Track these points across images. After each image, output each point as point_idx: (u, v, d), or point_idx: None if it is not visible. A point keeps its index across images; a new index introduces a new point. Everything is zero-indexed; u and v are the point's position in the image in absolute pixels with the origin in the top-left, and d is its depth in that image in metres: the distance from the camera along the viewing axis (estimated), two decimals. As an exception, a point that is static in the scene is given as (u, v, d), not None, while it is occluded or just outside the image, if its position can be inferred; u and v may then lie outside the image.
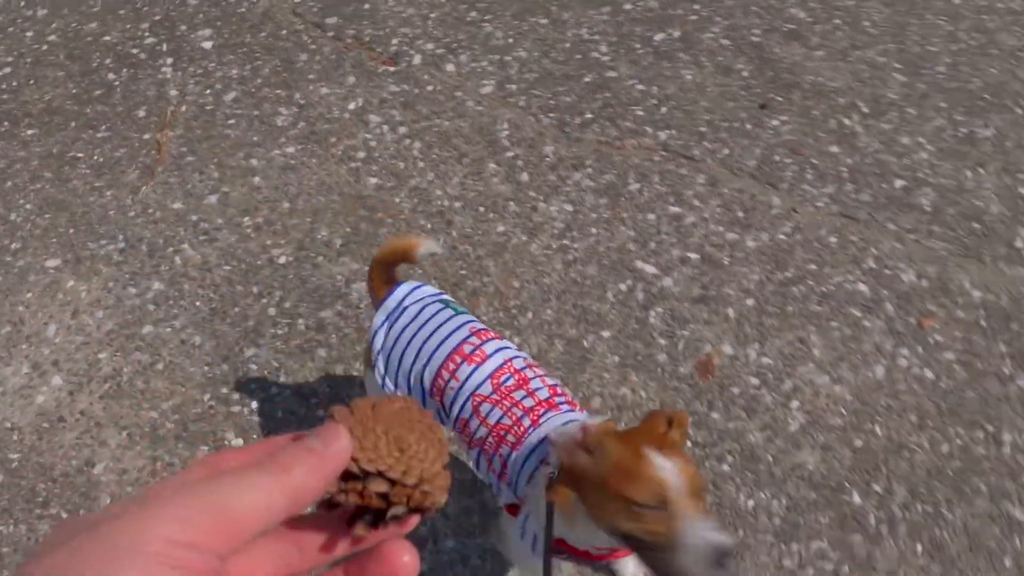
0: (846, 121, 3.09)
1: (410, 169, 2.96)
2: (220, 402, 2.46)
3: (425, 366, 1.88)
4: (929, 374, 2.56)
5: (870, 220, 2.85)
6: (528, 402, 1.78)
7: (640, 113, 3.11)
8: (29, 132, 3.12)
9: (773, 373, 2.55)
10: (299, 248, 2.77)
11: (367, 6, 3.47)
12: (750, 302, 2.69)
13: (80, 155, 3.02)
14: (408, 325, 1.93)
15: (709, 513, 1.44)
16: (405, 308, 1.95)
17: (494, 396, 1.79)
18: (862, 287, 2.72)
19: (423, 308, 1.94)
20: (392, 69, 3.23)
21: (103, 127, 3.08)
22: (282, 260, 2.74)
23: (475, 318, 1.96)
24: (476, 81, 3.20)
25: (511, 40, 3.34)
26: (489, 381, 1.80)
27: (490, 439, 1.78)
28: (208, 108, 3.10)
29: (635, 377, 2.54)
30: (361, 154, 2.99)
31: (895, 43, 3.29)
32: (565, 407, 1.78)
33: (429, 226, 2.82)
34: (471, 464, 1.91)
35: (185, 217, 2.85)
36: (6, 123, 3.19)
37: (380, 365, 1.95)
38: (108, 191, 2.91)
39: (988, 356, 2.59)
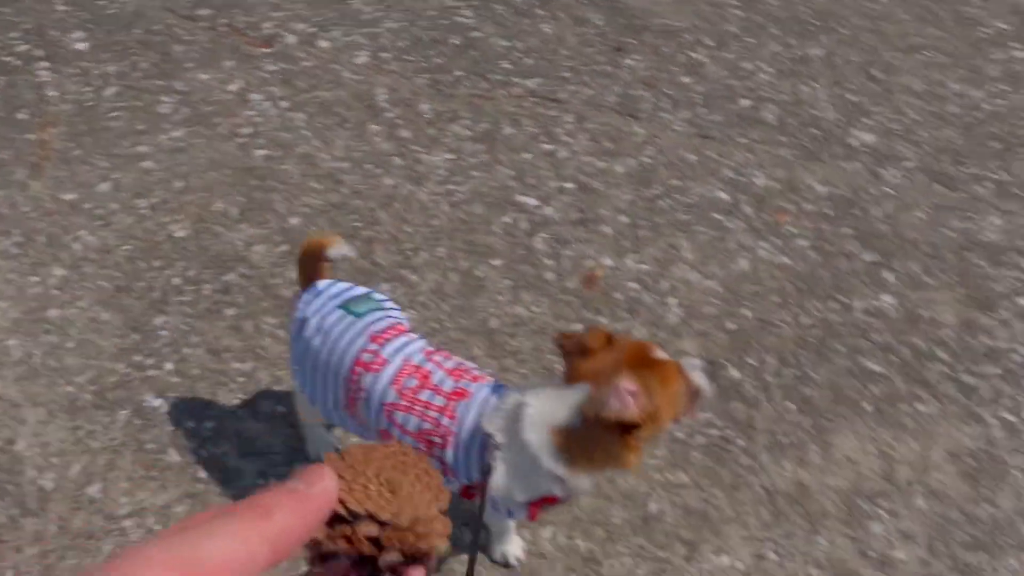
0: (693, 55, 3.38)
1: (296, 139, 3.10)
2: (135, 368, 2.55)
3: (336, 385, 1.90)
4: (787, 260, 2.84)
5: (723, 137, 3.13)
6: (438, 400, 1.81)
7: (507, 66, 3.33)
8: (-89, 145, 3.14)
9: (650, 277, 2.79)
10: (197, 221, 2.88)
11: (236, -3, 3.61)
12: (624, 219, 2.93)
13: (-35, 159, 3.07)
14: (314, 336, 1.92)
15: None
16: (306, 320, 1.94)
17: (402, 403, 1.81)
18: (721, 194, 3.00)
19: (324, 318, 1.93)
20: (268, 51, 3.37)
21: (-15, 134, 3.14)
22: (181, 234, 2.85)
23: (383, 307, 1.97)
24: (350, 53, 3.37)
25: (380, 13, 3.52)
26: (392, 387, 1.82)
27: (419, 445, 1.80)
28: (89, 104, 3.18)
29: (527, 296, 2.74)
30: (247, 130, 3.12)
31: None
32: (472, 387, 1.81)
33: (320, 187, 2.97)
34: None
35: (79, 206, 2.93)
36: None
37: (298, 379, 1.99)
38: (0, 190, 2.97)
39: (835, 239, 2.89)
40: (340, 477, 0.51)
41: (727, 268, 2.81)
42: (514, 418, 1.71)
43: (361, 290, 2.01)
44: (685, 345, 2.63)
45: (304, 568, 0.53)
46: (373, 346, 1.85)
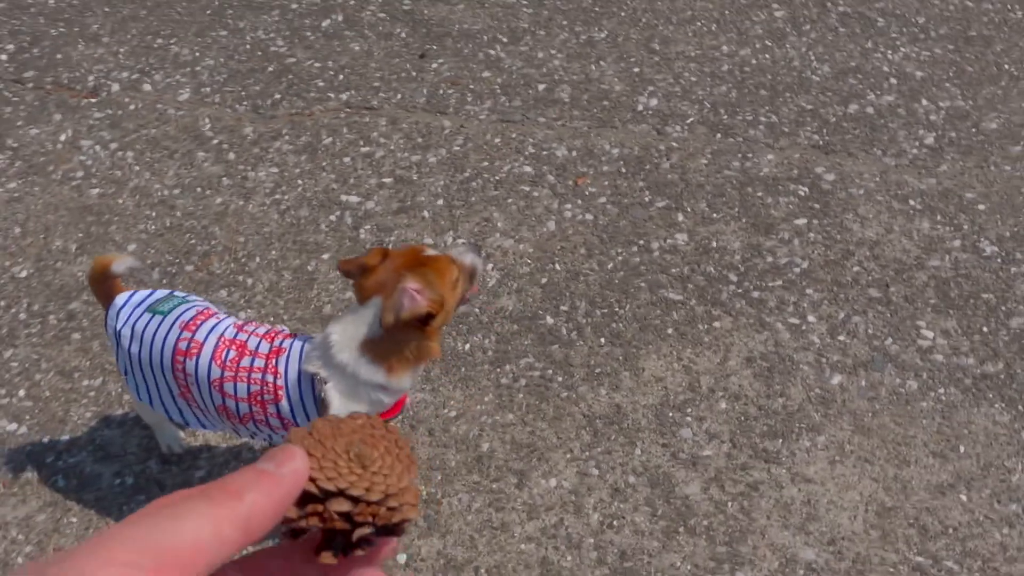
0: (491, 52, 3.65)
1: (127, 174, 3.24)
2: (-13, 403, 2.64)
3: (163, 374, 1.98)
4: (590, 216, 3.10)
5: (524, 119, 3.40)
6: (259, 363, 1.91)
7: (321, 84, 3.55)
8: None
9: (468, 249, 3.02)
10: (37, 260, 2.99)
11: (59, 56, 3.74)
12: (440, 202, 3.15)
13: None
14: (131, 345, 1.99)
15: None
16: (119, 331, 2.01)
17: (228, 375, 1.90)
18: (527, 168, 3.25)
19: (133, 326, 2.00)
20: (94, 100, 3.51)
21: None
22: (23, 274, 2.96)
23: (188, 300, 2.05)
24: (173, 93, 3.53)
25: (198, 54, 3.70)
26: (215, 364, 1.91)
27: (254, 408, 1.92)
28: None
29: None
30: (80, 173, 3.25)
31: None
32: (286, 343, 1.95)
33: (153, 214, 3.12)
34: (253, 440, 2.07)
35: (-80, 266, 3.01)
36: None
37: (132, 389, 2.07)
38: None
39: (631, 192, 3.16)
40: (310, 455, 0.50)
41: (536, 231, 3.05)
42: (326, 350, 1.86)
43: (162, 293, 2.10)
44: (503, 303, 2.85)
45: (272, 544, 0.52)
46: (186, 334, 1.95)
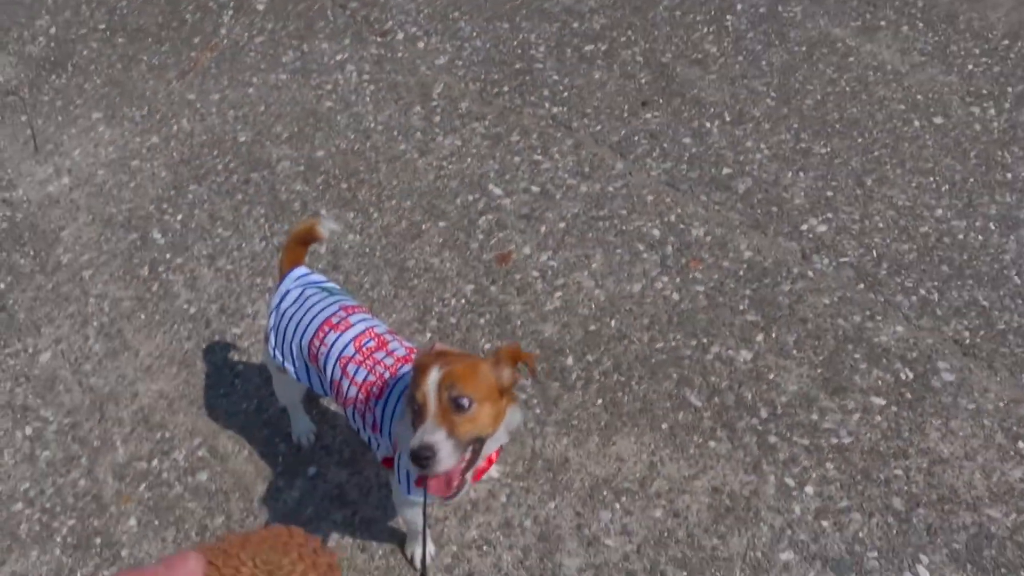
0: (707, 124, 3.68)
1: (356, 101, 3.83)
2: None
3: (302, 337, 2.11)
4: (676, 296, 3.05)
5: (688, 191, 3.40)
6: (388, 360, 1.98)
7: (546, 93, 3.84)
8: (119, 40, 4.32)
9: (552, 272, 3.14)
10: (256, 132, 3.68)
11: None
12: (562, 225, 3.31)
13: (144, 57, 4.17)
14: (290, 306, 2.17)
15: (454, 434, 1.66)
16: (288, 291, 2.19)
17: (358, 357, 1.99)
18: (655, 231, 3.27)
19: (303, 291, 2.18)
20: (379, 40, 4.16)
21: (167, 44, 4.23)
22: (242, 138, 3.67)
23: (352, 300, 2.19)
24: (434, 56, 4.06)
25: (474, 34, 4.17)
26: (352, 344, 2.01)
27: (360, 395, 1.98)
28: (241, 44, 4.17)
29: (447, 253, 3.21)
30: (328, 86, 3.90)
31: (780, 78, 3.86)
32: None
33: (352, 136, 3.67)
34: (352, 424, 2.13)
35: (194, 104, 3.87)
36: (110, 34, 4.40)
37: (272, 339, 2.20)
38: (151, 81, 4.00)
39: (732, 295, 3.05)
40: (211, 563, 0.48)
41: (620, 286, 3.08)
42: None
43: (337, 286, 2.28)
44: (545, 328, 2.95)
45: None
46: (342, 313, 2.10)
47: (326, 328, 2.07)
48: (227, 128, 3.72)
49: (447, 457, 1.64)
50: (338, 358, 2.03)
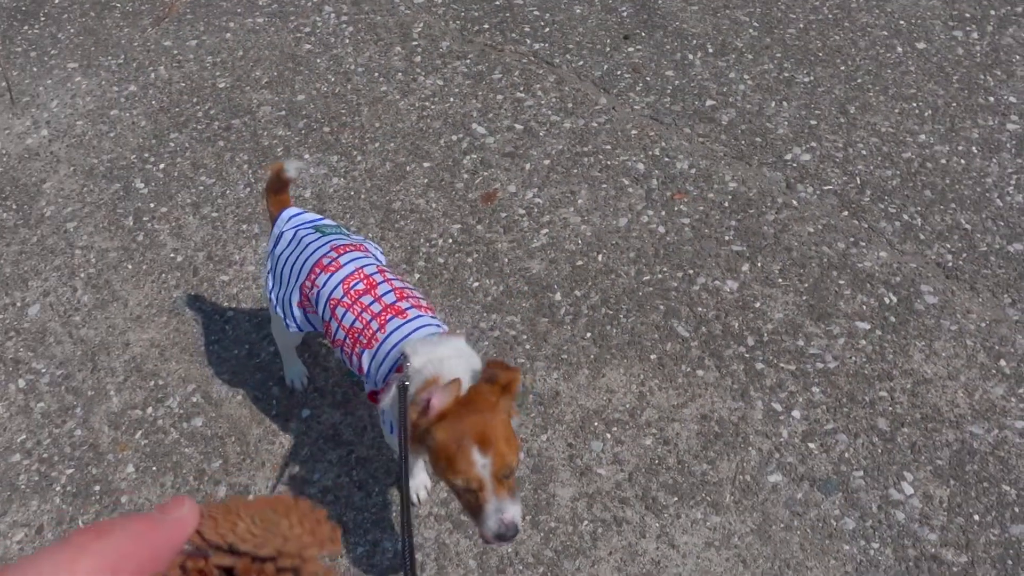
0: (690, 56, 3.63)
1: (336, 43, 3.76)
2: None
3: (296, 280, 2.12)
4: (662, 229, 3.05)
5: (672, 124, 3.37)
6: (376, 307, 1.97)
7: (527, 29, 3.78)
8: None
9: (538, 209, 3.13)
10: (236, 79, 3.62)
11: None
12: (547, 162, 3.28)
13: (117, 4, 4.07)
14: (284, 249, 2.18)
15: (510, 494, 1.70)
16: (282, 234, 2.20)
17: (346, 300, 1.99)
18: (640, 166, 3.25)
19: (296, 233, 2.18)
20: (356, -21, 4.08)
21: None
22: (221, 84, 3.61)
23: (346, 236, 2.18)
24: (414, -7, 3.99)
25: (454, -29, 4.11)
26: (341, 285, 2.01)
27: (347, 340, 1.99)
28: (216, -13, 4.08)
29: (433, 194, 3.19)
30: (307, 29, 3.83)
31: (763, 7, 3.81)
32: (412, 311, 1.97)
33: (332, 79, 3.61)
34: (339, 355, 2.14)
35: (170, 51, 3.79)
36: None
37: (268, 281, 2.23)
38: (126, 28, 3.91)
39: (717, 226, 3.05)
40: (210, 516, 0.47)
41: (606, 220, 3.07)
42: (431, 353, 1.82)
43: (331, 222, 2.27)
44: (532, 264, 2.95)
45: None
46: (333, 254, 2.09)
47: (317, 270, 2.08)
48: (205, 75, 3.65)
49: (519, 515, 1.73)
50: (327, 299, 2.04)
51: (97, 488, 2.45)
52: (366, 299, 2.02)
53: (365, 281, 2.05)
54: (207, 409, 2.61)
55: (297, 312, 2.18)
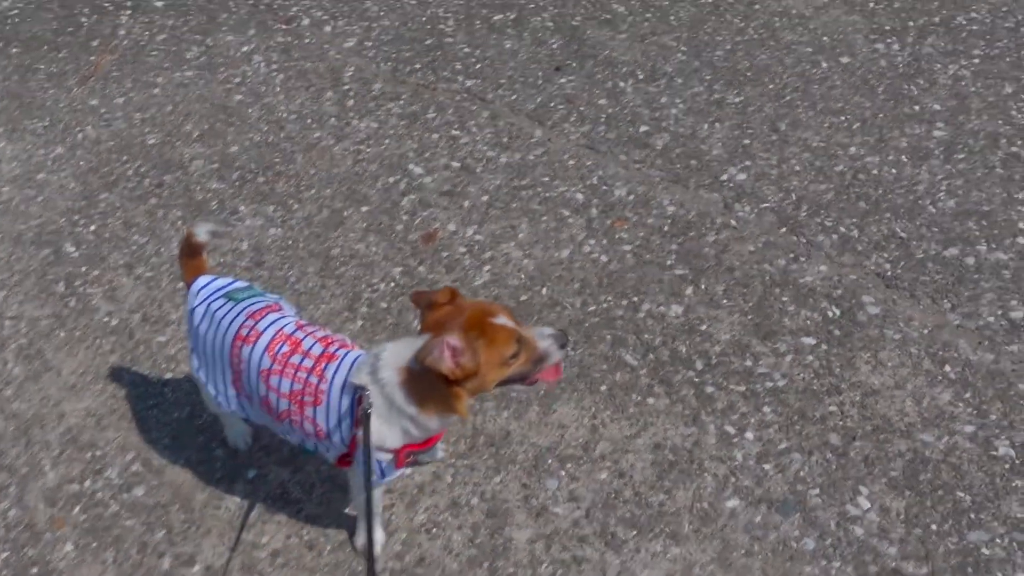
0: (621, 84, 3.63)
1: (267, 92, 3.70)
2: None
3: (222, 359, 2.04)
4: (604, 258, 3.02)
5: (607, 152, 3.36)
6: (307, 363, 1.92)
7: (458, 67, 3.75)
8: (14, 50, 4.11)
9: (479, 246, 3.08)
10: (166, 133, 3.54)
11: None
12: (485, 198, 3.24)
13: (40, 65, 3.97)
14: (200, 324, 2.09)
15: (529, 324, 1.87)
16: (194, 310, 2.10)
17: (276, 367, 1.92)
18: (579, 195, 3.22)
19: (208, 307, 2.08)
20: (284, 27, 4.03)
21: (64, 50, 4.03)
22: (151, 140, 3.52)
23: (263, 295, 2.12)
24: (343, 39, 3.93)
25: (382, 13, 4.06)
26: (267, 354, 1.94)
27: (292, 407, 1.93)
28: (141, 44, 3.99)
29: (372, 238, 3.12)
30: (237, 80, 3.76)
31: (689, 31, 3.83)
32: (341, 351, 1.95)
33: (265, 128, 3.54)
34: (292, 440, 2.07)
35: (97, 110, 3.70)
36: (3, 44, 4.19)
37: (194, 360, 2.14)
38: (51, 90, 3.81)
39: (658, 251, 3.02)
40: None
41: (548, 253, 3.03)
42: (375, 364, 1.83)
43: (242, 283, 2.17)
44: (476, 303, 2.89)
45: None
46: (250, 322, 2.00)
47: (239, 344, 2.00)
48: (135, 132, 3.56)
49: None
50: (258, 373, 1.96)
51: (35, 571, 2.32)
52: (295, 359, 1.95)
53: (288, 342, 1.97)
54: (148, 477, 2.51)
55: (232, 392, 2.09)
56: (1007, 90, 3.50)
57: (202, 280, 2.16)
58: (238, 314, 2.04)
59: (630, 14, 3.91)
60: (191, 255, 2.20)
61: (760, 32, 3.77)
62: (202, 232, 2.17)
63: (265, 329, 1.99)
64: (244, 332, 2.00)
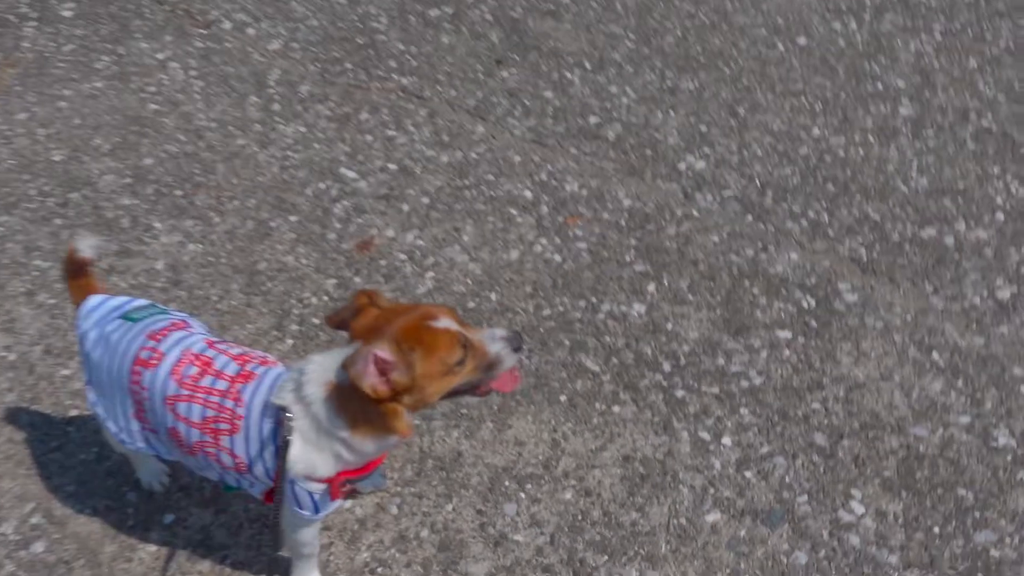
0: (568, 75, 3.40)
1: (185, 99, 3.41)
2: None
3: (121, 389, 1.77)
4: (557, 258, 2.77)
5: (556, 146, 3.12)
6: (221, 385, 1.67)
7: (392, 64, 3.51)
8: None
9: (421, 252, 2.82)
10: (73, 149, 3.23)
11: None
12: (425, 200, 2.98)
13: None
14: (94, 350, 1.82)
15: (477, 326, 1.62)
16: (85, 334, 1.84)
17: (183, 393, 1.67)
18: (527, 193, 2.98)
19: (101, 331, 1.82)
20: (204, 32, 3.74)
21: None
22: (57, 157, 3.21)
23: (165, 312, 1.86)
24: (266, 41, 3.66)
25: (308, 13, 3.81)
26: (171, 378, 1.69)
27: (206, 437, 1.68)
28: (47, 55, 3.68)
29: (302, 249, 2.84)
30: (152, 89, 3.47)
31: (637, 19, 3.62)
32: (260, 369, 1.70)
33: (183, 139, 3.25)
34: (210, 476, 1.82)
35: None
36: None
37: (90, 394, 1.86)
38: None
39: (616, 247, 2.79)
40: None
41: (496, 255, 2.78)
42: (299, 381, 1.59)
43: (141, 301, 1.90)
44: (419, 313, 2.62)
45: None
46: (151, 343, 1.74)
47: (139, 369, 1.72)
48: (38, 148, 3.25)
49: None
50: (163, 401, 1.69)
51: (-89, 648, 1.99)
52: (206, 381, 1.67)
53: (197, 362, 1.70)
54: (49, 530, 2.19)
55: (134, 425, 1.79)
56: (972, 64, 3.35)
57: (93, 300, 1.87)
58: (137, 335, 1.76)
59: (574, 3, 3.70)
60: (77, 274, 1.92)
61: (711, 16, 3.58)
62: (85, 247, 1.89)
63: (169, 350, 1.71)
64: (144, 355, 1.72)
